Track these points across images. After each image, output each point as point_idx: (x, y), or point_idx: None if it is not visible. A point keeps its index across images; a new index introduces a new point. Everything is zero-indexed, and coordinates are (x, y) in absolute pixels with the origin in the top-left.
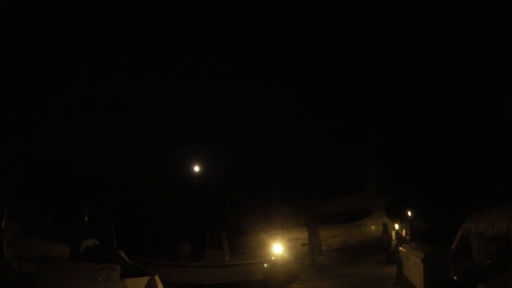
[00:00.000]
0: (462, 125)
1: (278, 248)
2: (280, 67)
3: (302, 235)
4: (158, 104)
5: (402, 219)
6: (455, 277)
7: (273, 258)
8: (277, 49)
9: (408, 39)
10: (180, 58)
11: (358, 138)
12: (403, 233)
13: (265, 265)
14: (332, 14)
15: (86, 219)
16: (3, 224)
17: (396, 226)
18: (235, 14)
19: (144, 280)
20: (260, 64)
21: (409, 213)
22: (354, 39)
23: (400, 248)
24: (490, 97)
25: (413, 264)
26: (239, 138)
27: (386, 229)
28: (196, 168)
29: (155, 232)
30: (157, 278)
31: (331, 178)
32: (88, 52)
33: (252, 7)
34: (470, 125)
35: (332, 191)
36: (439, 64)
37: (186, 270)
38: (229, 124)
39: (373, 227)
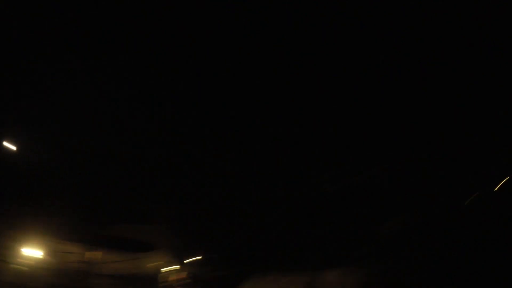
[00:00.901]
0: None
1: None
2: None
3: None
4: None
5: (189, 261)
6: None
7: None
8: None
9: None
10: None
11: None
12: (181, 276)
13: None
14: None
15: None
16: None
17: (169, 268)
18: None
19: None
20: None
21: (198, 257)
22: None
23: None
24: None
25: None
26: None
27: (164, 267)
28: None
29: None
30: None
31: (125, 203)
32: None
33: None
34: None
35: (122, 216)
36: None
37: None
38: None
39: (154, 264)
